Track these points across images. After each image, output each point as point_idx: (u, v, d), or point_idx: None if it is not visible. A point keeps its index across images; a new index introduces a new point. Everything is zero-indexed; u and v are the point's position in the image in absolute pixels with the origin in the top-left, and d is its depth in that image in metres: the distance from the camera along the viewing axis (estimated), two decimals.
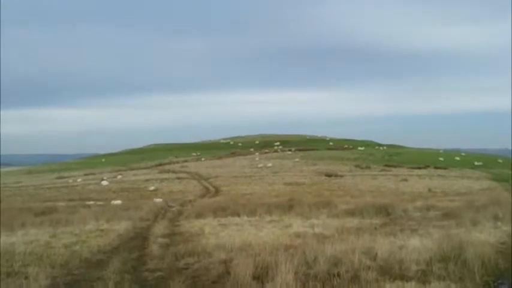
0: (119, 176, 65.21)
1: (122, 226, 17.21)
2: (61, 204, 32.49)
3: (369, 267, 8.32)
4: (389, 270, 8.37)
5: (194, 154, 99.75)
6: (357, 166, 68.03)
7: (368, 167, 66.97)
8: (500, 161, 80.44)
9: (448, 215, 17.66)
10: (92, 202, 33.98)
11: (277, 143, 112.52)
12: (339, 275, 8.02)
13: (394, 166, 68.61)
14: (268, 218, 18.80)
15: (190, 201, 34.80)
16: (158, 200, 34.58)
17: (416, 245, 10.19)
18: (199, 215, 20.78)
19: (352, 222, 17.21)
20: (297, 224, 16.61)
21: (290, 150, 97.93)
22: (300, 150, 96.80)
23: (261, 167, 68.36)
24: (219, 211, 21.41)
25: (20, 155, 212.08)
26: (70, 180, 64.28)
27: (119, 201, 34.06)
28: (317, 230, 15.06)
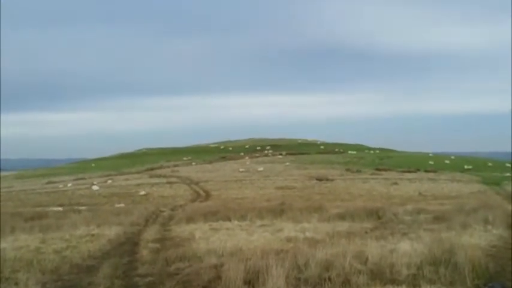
0: (109, 181, 64.99)
1: (113, 231, 17.13)
2: (51, 209, 32.34)
3: (359, 271, 8.34)
4: (380, 274, 8.39)
5: (185, 158, 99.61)
6: (347, 170, 68.26)
7: (359, 171, 67.19)
8: (490, 164, 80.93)
9: (438, 218, 17.75)
10: (82, 207, 33.86)
11: (268, 147, 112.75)
12: (330, 279, 8.03)
13: (385, 170, 68.89)
14: (259, 223, 18.78)
15: (180, 205, 34.71)
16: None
17: (407, 249, 10.23)
18: (190, 220, 20.69)
19: (343, 226, 17.23)
20: (288, 228, 16.59)
21: (281, 154, 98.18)
22: (290, 154, 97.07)
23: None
24: (209, 216, 21.34)
25: (11, 160, 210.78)
26: (60, 185, 63.97)
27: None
28: (308, 234, 15.07)
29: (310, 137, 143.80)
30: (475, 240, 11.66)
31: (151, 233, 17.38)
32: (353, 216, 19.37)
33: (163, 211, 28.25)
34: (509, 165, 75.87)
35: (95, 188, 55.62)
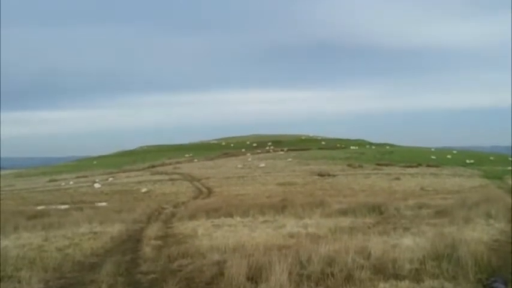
0: (111, 179, 65.02)
1: (115, 228, 17.15)
2: (53, 207, 32.35)
3: (362, 267, 8.34)
4: (383, 269, 8.39)
5: (186, 155, 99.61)
6: (349, 165, 68.10)
7: (360, 166, 67.02)
8: (492, 158, 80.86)
9: (440, 213, 17.72)
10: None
11: (269, 143, 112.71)
12: (332, 274, 8.03)
13: (386, 165, 68.78)
14: (261, 219, 18.77)
15: (183, 202, 34.72)
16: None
17: (409, 244, 10.23)
18: (192, 217, 20.70)
19: (345, 221, 17.19)
20: (290, 224, 16.58)
21: (282, 150, 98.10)
22: (292, 150, 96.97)
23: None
24: (212, 212, 21.34)
25: (12, 158, 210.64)
26: (62, 183, 64.01)
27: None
28: (310, 229, 15.06)
29: (312, 132, 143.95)
30: (477, 235, 11.65)
31: (153, 230, 17.38)
32: (355, 211, 19.32)
33: (165, 208, 28.27)
34: (511, 159, 75.84)
35: (96, 185, 55.64)
